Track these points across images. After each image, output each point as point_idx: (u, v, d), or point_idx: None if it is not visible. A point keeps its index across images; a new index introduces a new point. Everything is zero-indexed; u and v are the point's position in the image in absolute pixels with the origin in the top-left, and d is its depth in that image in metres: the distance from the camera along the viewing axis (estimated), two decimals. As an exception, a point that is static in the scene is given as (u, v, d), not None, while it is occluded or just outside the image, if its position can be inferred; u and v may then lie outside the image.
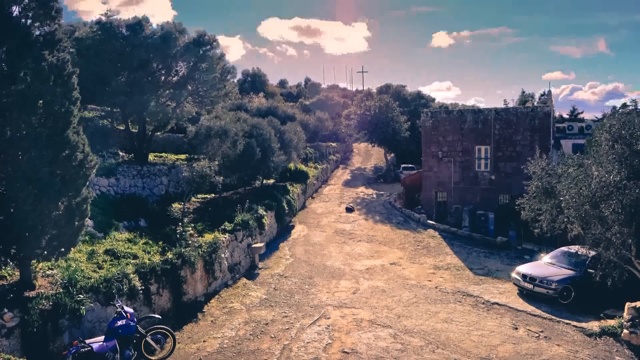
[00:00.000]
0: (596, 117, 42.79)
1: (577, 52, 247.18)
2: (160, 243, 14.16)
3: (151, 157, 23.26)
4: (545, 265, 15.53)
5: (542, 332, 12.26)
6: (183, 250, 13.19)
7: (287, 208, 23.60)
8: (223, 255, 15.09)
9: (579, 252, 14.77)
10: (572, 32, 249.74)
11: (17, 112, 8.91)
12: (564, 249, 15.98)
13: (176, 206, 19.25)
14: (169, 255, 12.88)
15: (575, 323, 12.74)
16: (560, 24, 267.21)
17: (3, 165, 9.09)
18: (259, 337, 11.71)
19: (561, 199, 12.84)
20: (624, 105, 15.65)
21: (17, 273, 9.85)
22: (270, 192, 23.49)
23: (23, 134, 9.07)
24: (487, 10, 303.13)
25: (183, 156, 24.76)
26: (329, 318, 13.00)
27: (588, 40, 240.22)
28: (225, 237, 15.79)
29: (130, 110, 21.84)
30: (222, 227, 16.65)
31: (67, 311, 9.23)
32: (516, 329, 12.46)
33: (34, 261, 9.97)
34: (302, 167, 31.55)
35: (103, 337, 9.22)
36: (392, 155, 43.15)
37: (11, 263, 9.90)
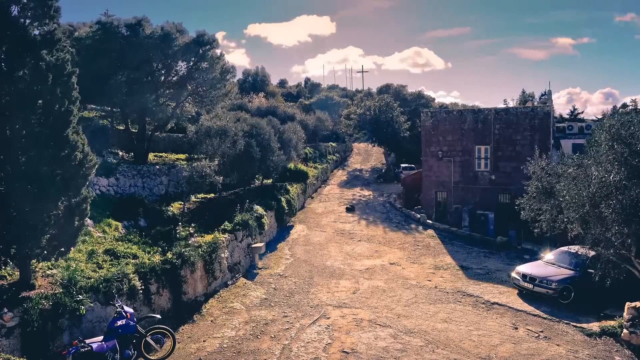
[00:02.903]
0: (596, 117, 42.84)
1: (541, 54, 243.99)
2: (160, 243, 14.16)
3: (151, 156, 23.25)
4: (545, 265, 15.53)
5: (542, 332, 12.27)
6: (183, 250, 13.18)
7: (286, 208, 23.60)
8: (223, 255, 15.09)
9: (578, 252, 14.77)
10: (530, 32, 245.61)
11: (17, 112, 8.92)
12: (564, 248, 15.98)
13: (176, 206, 19.25)
14: (169, 255, 12.87)
15: (575, 323, 12.75)
16: (517, 23, 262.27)
17: (3, 164, 9.08)
18: (258, 337, 11.70)
19: (561, 199, 12.84)
20: (624, 106, 15.67)
21: (17, 273, 9.84)
22: (270, 192, 23.49)
23: (23, 133, 9.08)
24: (442, 8, 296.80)
25: (183, 156, 24.76)
26: (328, 318, 13.00)
27: (549, 42, 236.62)
28: (225, 237, 15.79)
29: (130, 110, 21.83)
30: (222, 226, 16.65)
31: (67, 311, 9.22)
32: (516, 328, 12.46)
33: (34, 261, 9.97)
34: (302, 167, 31.55)
35: (103, 336, 9.23)
36: (392, 155, 43.15)
37: (11, 263, 9.90)
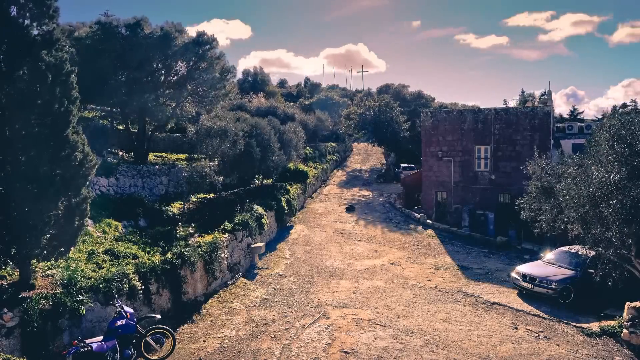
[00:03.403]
0: (596, 117, 42.87)
1: (536, 54, 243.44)
2: (160, 243, 14.15)
3: (151, 156, 23.25)
4: (545, 265, 15.53)
5: (542, 332, 12.27)
6: (183, 250, 13.18)
7: (286, 208, 23.59)
8: (223, 255, 15.08)
9: (579, 252, 14.77)
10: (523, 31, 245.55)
11: (17, 112, 8.91)
12: (564, 248, 15.98)
13: (176, 206, 19.25)
14: (169, 255, 12.86)
15: (575, 323, 12.75)
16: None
17: (3, 164, 9.08)
18: (258, 337, 11.70)
19: (561, 199, 12.84)
20: (624, 105, 15.67)
21: (17, 273, 9.84)
22: (270, 192, 23.49)
23: (22, 133, 9.08)
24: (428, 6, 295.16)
25: (183, 156, 24.78)
26: (328, 318, 13.00)
27: (542, 41, 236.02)
28: (225, 237, 15.78)
29: (130, 110, 21.83)
30: (222, 226, 16.63)
31: (67, 311, 9.21)
32: (516, 328, 12.46)
33: (34, 261, 9.96)
34: (302, 167, 31.56)
35: (102, 337, 9.22)
36: (392, 155, 43.17)
37: (11, 263, 9.89)
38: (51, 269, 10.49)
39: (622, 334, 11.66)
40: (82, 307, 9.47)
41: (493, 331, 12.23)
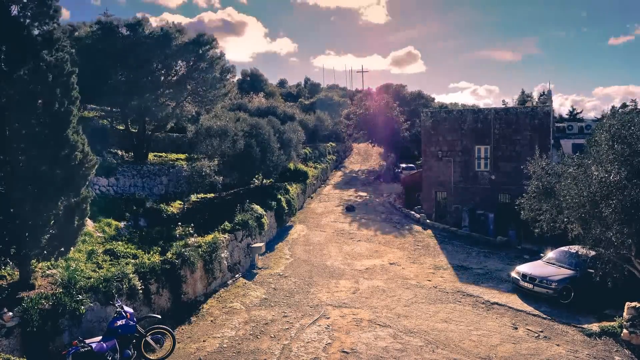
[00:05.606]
0: (596, 117, 42.86)
1: (511, 55, 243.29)
2: (160, 242, 14.16)
3: (151, 156, 23.27)
4: (545, 265, 15.53)
5: (541, 332, 12.27)
6: (183, 250, 13.17)
7: (286, 208, 23.59)
8: (223, 255, 15.07)
9: (579, 252, 14.76)
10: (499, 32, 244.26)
11: (17, 112, 8.92)
12: (564, 248, 15.97)
13: (176, 206, 19.26)
14: (169, 255, 12.87)
15: (575, 323, 12.76)
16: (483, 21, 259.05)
17: (3, 165, 9.08)
18: (258, 337, 11.70)
19: (561, 199, 12.84)
20: (624, 105, 15.67)
21: (17, 273, 9.84)
22: (270, 192, 23.48)
23: (22, 133, 9.08)
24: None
25: (183, 156, 24.80)
26: (328, 318, 12.99)
27: (518, 41, 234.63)
28: (224, 237, 15.77)
29: (130, 110, 21.85)
30: (222, 226, 16.63)
31: (67, 311, 9.21)
32: (516, 328, 12.46)
33: (34, 261, 9.97)
34: (302, 166, 31.55)
35: (102, 336, 9.22)
36: (392, 155, 43.20)
37: (11, 263, 9.90)
38: (51, 269, 10.50)
39: (622, 334, 11.66)
40: (82, 307, 9.47)
41: (493, 331, 12.23)
